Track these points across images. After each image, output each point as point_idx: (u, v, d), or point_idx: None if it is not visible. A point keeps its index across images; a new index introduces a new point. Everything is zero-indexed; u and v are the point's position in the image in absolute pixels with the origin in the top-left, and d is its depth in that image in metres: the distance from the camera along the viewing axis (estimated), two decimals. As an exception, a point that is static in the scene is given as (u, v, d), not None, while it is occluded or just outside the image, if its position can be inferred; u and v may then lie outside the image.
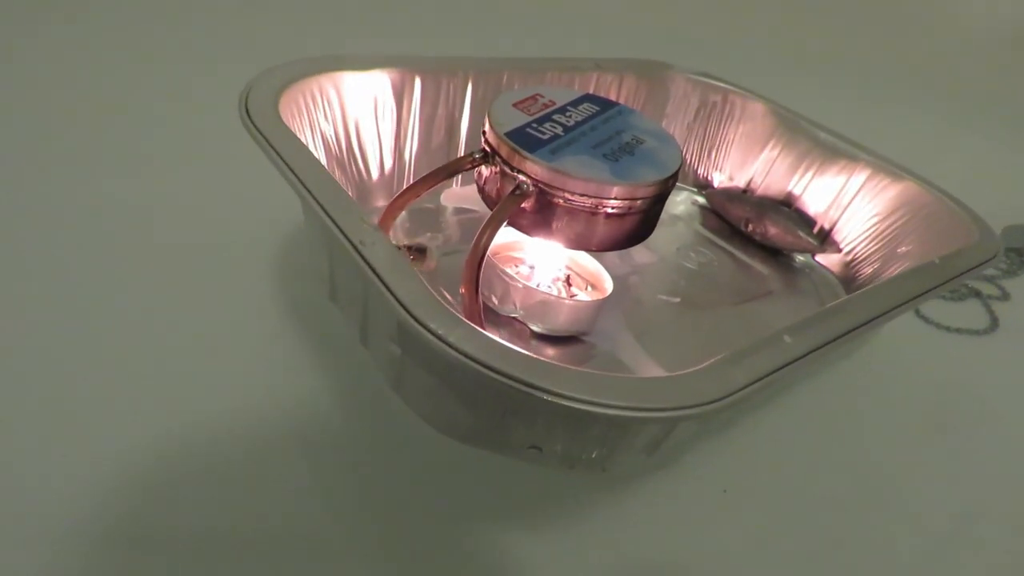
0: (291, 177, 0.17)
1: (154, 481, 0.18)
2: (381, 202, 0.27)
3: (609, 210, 0.19)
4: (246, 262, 0.26)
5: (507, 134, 0.20)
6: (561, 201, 0.19)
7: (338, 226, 0.16)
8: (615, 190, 0.19)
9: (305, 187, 0.17)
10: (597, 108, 0.23)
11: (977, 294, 0.37)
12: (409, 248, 0.24)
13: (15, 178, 0.29)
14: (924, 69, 0.72)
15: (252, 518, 0.18)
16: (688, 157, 0.36)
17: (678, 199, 0.35)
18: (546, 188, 0.19)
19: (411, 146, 0.27)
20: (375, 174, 0.27)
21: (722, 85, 0.35)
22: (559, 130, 0.21)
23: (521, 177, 0.19)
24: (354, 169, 0.26)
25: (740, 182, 0.35)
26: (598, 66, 0.32)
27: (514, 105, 0.21)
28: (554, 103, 0.22)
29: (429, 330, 0.13)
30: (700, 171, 0.36)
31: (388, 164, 0.27)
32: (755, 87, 0.35)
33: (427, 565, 0.17)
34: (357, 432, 0.20)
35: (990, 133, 0.62)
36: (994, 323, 0.35)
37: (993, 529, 0.22)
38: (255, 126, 0.19)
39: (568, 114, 0.22)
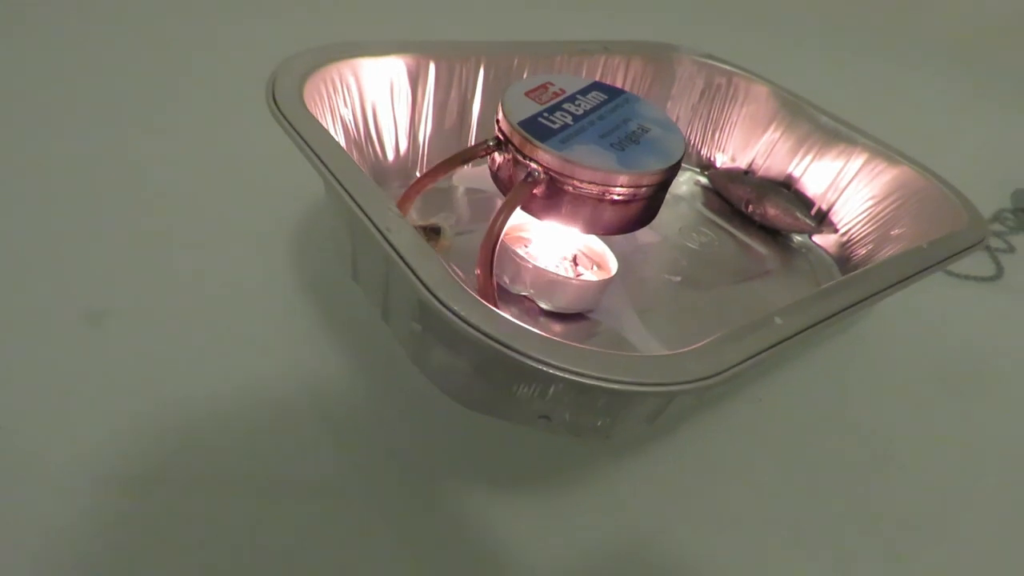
0: (320, 166, 0.18)
1: (181, 439, 0.20)
2: (396, 182, 0.28)
3: (615, 197, 0.21)
4: (269, 237, 0.27)
5: (520, 123, 0.21)
6: (570, 188, 0.21)
7: (365, 213, 0.17)
8: (621, 178, 0.20)
9: (333, 176, 0.18)
10: (605, 96, 0.24)
11: (986, 247, 0.41)
12: (424, 228, 0.25)
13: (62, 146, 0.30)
14: (938, 38, 0.72)
15: (276, 468, 0.19)
16: (692, 138, 0.37)
17: (681, 179, 0.36)
18: (556, 176, 0.20)
19: (425, 129, 0.28)
20: (391, 156, 0.28)
21: (727, 67, 0.36)
22: (568, 119, 0.22)
23: (533, 165, 0.21)
24: (371, 151, 0.27)
25: (742, 163, 0.36)
26: (606, 49, 0.33)
27: (526, 94, 0.23)
28: (564, 91, 0.23)
29: (452, 311, 0.15)
30: (704, 152, 0.37)
31: (403, 146, 0.28)
32: (760, 66, 0.36)
33: (438, 518, 0.19)
34: (379, 401, 0.22)
35: (1006, 101, 0.63)
36: (999, 272, 0.39)
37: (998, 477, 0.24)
38: (283, 115, 0.20)
39: (577, 102, 0.23)
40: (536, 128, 0.21)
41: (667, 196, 0.23)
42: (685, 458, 0.23)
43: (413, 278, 0.15)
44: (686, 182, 0.36)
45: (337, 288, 0.25)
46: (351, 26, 0.48)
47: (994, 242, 0.42)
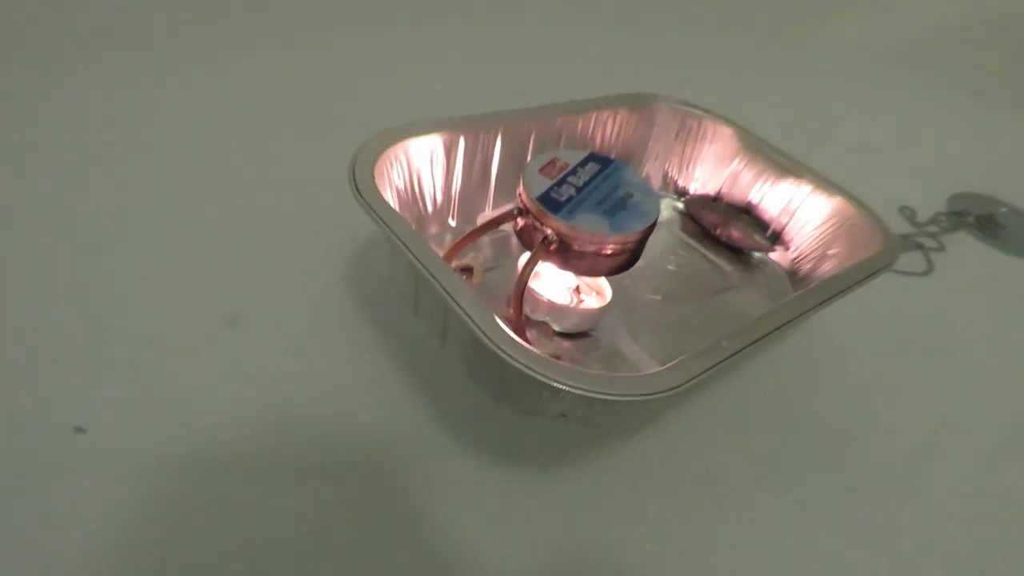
0: (399, 245, 0.26)
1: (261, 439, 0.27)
2: (435, 227, 0.36)
3: (608, 251, 0.28)
4: (330, 270, 0.35)
5: (537, 198, 0.29)
6: (576, 247, 0.28)
7: (437, 280, 0.24)
8: (612, 240, 0.28)
9: (409, 249, 0.26)
10: (599, 166, 0.31)
11: (919, 247, 0.49)
12: (461, 269, 0.33)
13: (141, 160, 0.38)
14: (885, 53, 0.79)
15: (350, 452, 0.27)
16: (669, 170, 0.44)
17: (662, 206, 0.43)
18: (565, 239, 0.28)
19: (456, 185, 0.36)
20: (430, 208, 0.35)
21: (698, 112, 0.43)
22: (572, 191, 0.29)
23: (548, 231, 0.28)
24: (417, 206, 0.35)
25: (711, 191, 0.43)
26: (597, 107, 0.40)
27: (539, 171, 0.30)
28: (568, 165, 0.31)
29: (503, 351, 0.22)
30: (679, 182, 0.44)
31: (440, 199, 0.36)
32: (728, 106, 0.43)
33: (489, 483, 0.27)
34: (439, 404, 0.30)
35: (952, 112, 0.70)
36: (930, 268, 0.47)
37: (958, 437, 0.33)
38: (364, 198, 0.28)
39: (578, 174, 0.30)
40: (549, 201, 0.29)
41: (655, 192, 0.31)
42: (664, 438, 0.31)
43: (474, 327, 0.23)
44: (666, 208, 0.44)
45: (401, 317, 0.33)
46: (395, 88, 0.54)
47: (928, 242, 0.49)
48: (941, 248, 0.50)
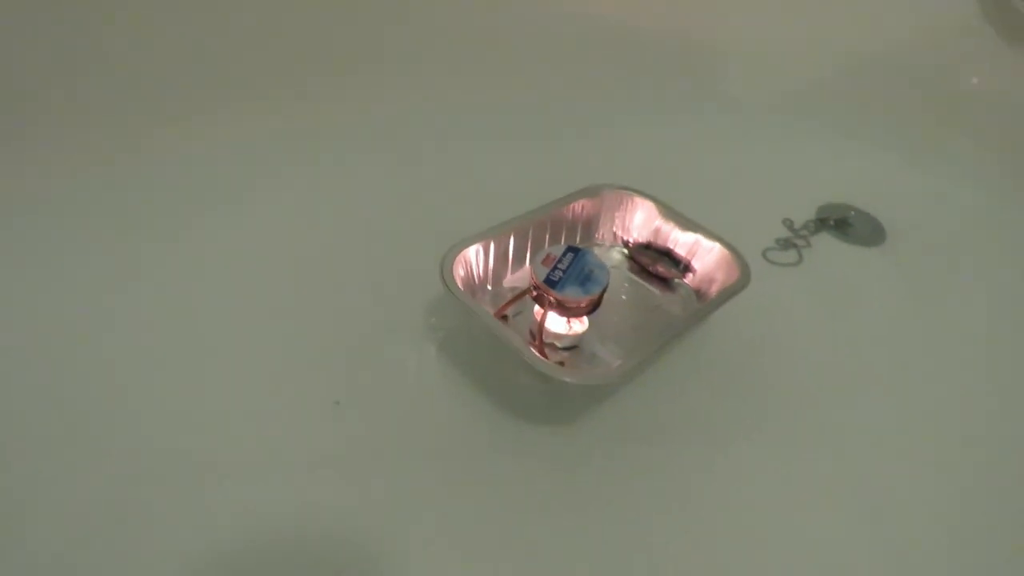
0: (473, 320, 0.51)
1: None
2: (479, 294, 0.61)
3: (583, 305, 0.53)
4: (408, 320, 0.60)
5: (543, 280, 0.53)
6: (566, 304, 0.53)
7: (510, 345, 0.49)
8: (585, 299, 0.53)
9: (490, 329, 0.50)
10: (573, 254, 0.56)
11: (795, 246, 0.74)
12: (502, 317, 0.58)
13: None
14: (770, 102, 1.04)
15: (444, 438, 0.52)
16: (617, 231, 0.69)
17: (614, 254, 0.68)
18: (559, 301, 0.53)
19: (491, 266, 0.60)
20: (477, 281, 0.60)
21: (630, 191, 0.67)
22: (560, 274, 0.54)
23: (550, 298, 0.53)
24: (470, 282, 0.59)
25: (644, 240, 0.68)
26: (567, 201, 0.65)
27: (541, 263, 0.55)
28: (555, 256, 0.55)
29: (547, 375, 0.48)
30: (624, 237, 0.69)
31: (480, 275, 0.60)
32: (654, 191, 0.68)
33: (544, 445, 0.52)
34: (499, 397, 0.55)
35: (815, 133, 0.96)
36: (801, 259, 0.73)
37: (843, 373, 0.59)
38: (447, 284, 0.53)
39: (562, 261, 0.55)
40: (548, 281, 0.53)
41: (608, 265, 0.56)
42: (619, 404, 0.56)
43: (522, 352, 0.48)
44: (617, 254, 0.69)
45: (475, 356, 0.58)
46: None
47: (801, 242, 0.75)
48: (809, 245, 0.76)
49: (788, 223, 0.80)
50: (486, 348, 0.57)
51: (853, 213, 0.83)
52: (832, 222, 0.81)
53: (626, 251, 0.69)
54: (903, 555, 0.48)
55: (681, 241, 0.65)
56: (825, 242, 0.78)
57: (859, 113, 1.02)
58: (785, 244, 0.77)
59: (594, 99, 0.98)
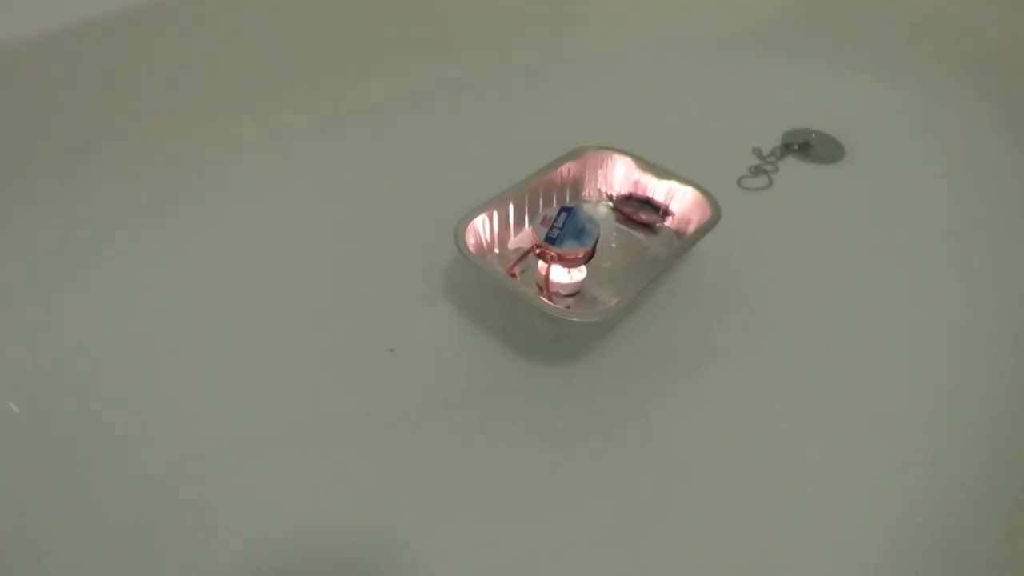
0: (488, 280, 0.60)
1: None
2: (488, 255, 0.69)
3: (580, 255, 0.62)
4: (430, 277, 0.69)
5: (543, 239, 0.62)
6: (566, 257, 0.62)
7: (525, 297, 0.58)
8: (581, 250, 0.62)
9: (504, 285, 0.59)
10: (567, 213, 0.64)
11: (765, 172, 0.84)
12: (512, 274, 0.67)
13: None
14: (731, 31, 1.11)
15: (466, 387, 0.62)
16: (601, 187, 0.77)
17: (601, 208, 0.77)
18: (560, 255, 0.62)
19: (496, 229, 0.69)
20: (485, 245, 0.69)
21: (610, 148, 0.76)
22: (557, 232, 0.63)
23: (551, 253, 0.62)
24: (482, 246, 0.68)
25: (626, 193, 0.77)
26: (556, 164, 0.73)
27: (540, 223, 0.63)
28: (551, 216, 0.64)
29: (552, 314, 0.57)
30: (607, 191, 0.78)
31: (488, 239, 0.69)
32: (631, 147, 0.76)
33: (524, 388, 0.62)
34: (516, 342, 0.64)
35: (780, 62, 1.04)
36: (771, 183, 0.82)
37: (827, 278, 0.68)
38: (462, 251, 0.61)
39: (557, 220, 0.64)
40: (548, 239, 0.62)
41: (597, 217, 0.64)
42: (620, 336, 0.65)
43: (541, 307, 0.57)
44: (604, 207, 0.77)
45: (493, 309, 0.67)
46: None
47: (769, 168, 0.85)
48: (777, 170, 0.85)
49: (757, 151, 0.89)
50: (499, 303, 0.66)
51: (814, 135, 0.92)
52: (796, 146, 0.90)
53: (611, 204, 0.77)
54: (886, 433, 0.58)
55: (659, 189, 0.74)
56: (791, 165, 0.87)
57: (807, 38, 1.10)
58: (756, 171, 0.86)
59: (559, 60, 1.05)
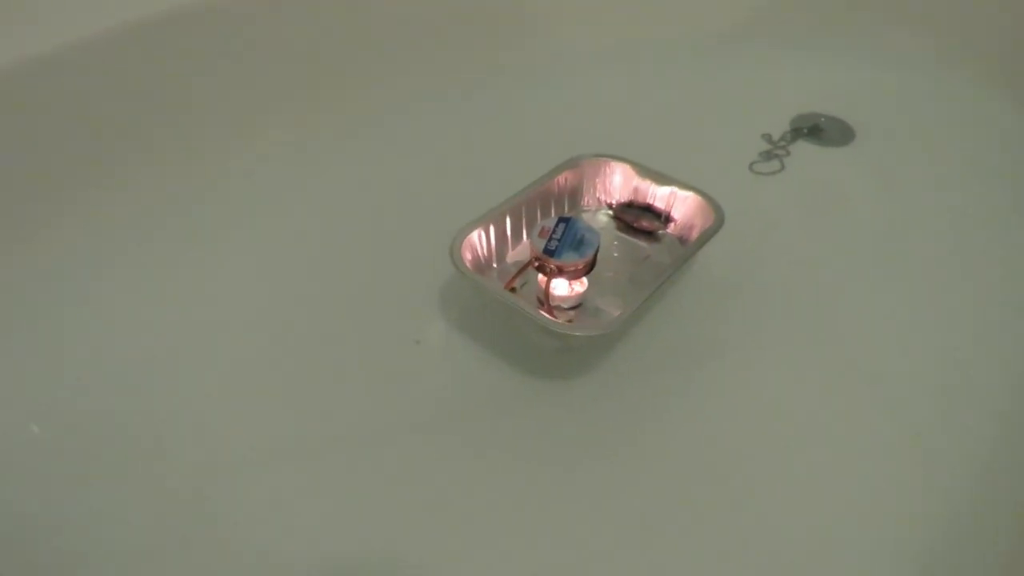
0: (487, 295, 0.58)
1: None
2: (488, 269, 0.67)
3: (581, 267, 0.60)
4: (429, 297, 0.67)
5: (542, 251, 0.60)
6: (566, 269, 0.60)
7: (524, 312, 0.57)
8: (581, 262, 0.60)
9: (503, 300, 0.58)
10: (565, 224, 0.63)
11: (776, 156, 0.83)
12: (511, 289, 0.65)
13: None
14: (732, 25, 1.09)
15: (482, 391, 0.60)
16: (600, 195, 0.76)
17: (601, 217, 0.75)
18: (559, 267, 0.60)
19: (493, 243, 0.67)
20: (483, 260, 0.67)
21: (607, 156, 0.74)
22: (555, 243, 0.61)
23: (551, 266, 0.60)
24: (480, 261, 0.66)
25: (626, 200, 0.75)
26: (552, 174, 0.71)
27: (538, 235, 0.62)
28: (549, 228, 0.62)
29: (554, 329, 0.55)
30: (607, 200, 0.76)
31: (485, 255, 0.67)
32: (637, 144, 0.74)
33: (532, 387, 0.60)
34: (515, 354, 0.62)
35: (787, 62, 1.03)
36: (783, 168, 0.81)
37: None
38: (458, 268, 0.60)
39: (555, 231, 0.62)
40: (547, 251, 0.60)
41: (597, 226, 0.62)
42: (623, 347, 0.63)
43: (542, 321, 0.55)
44: (604, 216, 0.75)
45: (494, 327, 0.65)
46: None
47: (781, 152, 0.83)
48: (788, 154, 0.84)
49: (767, 137, 0.88)
50: (498, 318, 0.65)
51: (823, 119, 0.91)
52: (805, 130, 0.89)
53: (611, 212, 0.75)
54: (902, 418, 0.57)
55: (659, 195, 0.72)
56: (802, 149, 0.86)
57: (808, 24, 1.08)
58: (767, 156, 0.85)
59: (556, 63, 1.04)
